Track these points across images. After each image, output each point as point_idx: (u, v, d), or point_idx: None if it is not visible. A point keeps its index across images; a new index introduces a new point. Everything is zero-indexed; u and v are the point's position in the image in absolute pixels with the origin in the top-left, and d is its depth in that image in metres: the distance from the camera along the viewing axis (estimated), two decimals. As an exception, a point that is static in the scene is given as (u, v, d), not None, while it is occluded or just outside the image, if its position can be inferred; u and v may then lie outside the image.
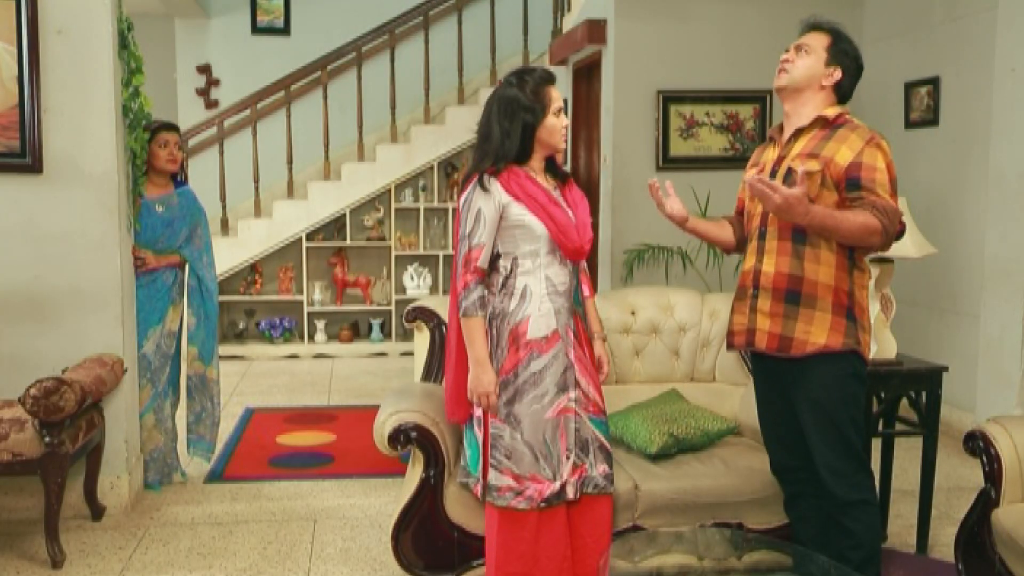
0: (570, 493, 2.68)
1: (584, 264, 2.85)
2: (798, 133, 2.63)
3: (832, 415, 2.58)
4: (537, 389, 2.64)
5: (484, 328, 2.64)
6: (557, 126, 2.64)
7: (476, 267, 2.62)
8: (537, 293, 2.65)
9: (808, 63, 2.60)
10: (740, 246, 2.86)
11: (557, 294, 2.67)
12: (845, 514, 2.60)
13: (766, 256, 2.62)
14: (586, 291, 2.85)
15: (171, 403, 4.15)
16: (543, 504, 2.65)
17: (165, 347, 4.04)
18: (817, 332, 2.54)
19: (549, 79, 2.68)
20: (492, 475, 2.67)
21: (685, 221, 2.77)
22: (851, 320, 2.56)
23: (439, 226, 7.70)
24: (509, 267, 2.67)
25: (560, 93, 2.69)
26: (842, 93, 2.64)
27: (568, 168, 5.44)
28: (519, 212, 2.61)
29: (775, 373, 2.70)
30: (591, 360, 2.78)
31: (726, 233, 2.88)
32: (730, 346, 2.80)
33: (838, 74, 2.61)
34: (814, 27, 2.67)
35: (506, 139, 2.62)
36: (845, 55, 2.62)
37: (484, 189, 2.61)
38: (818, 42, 2.62)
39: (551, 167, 2.76)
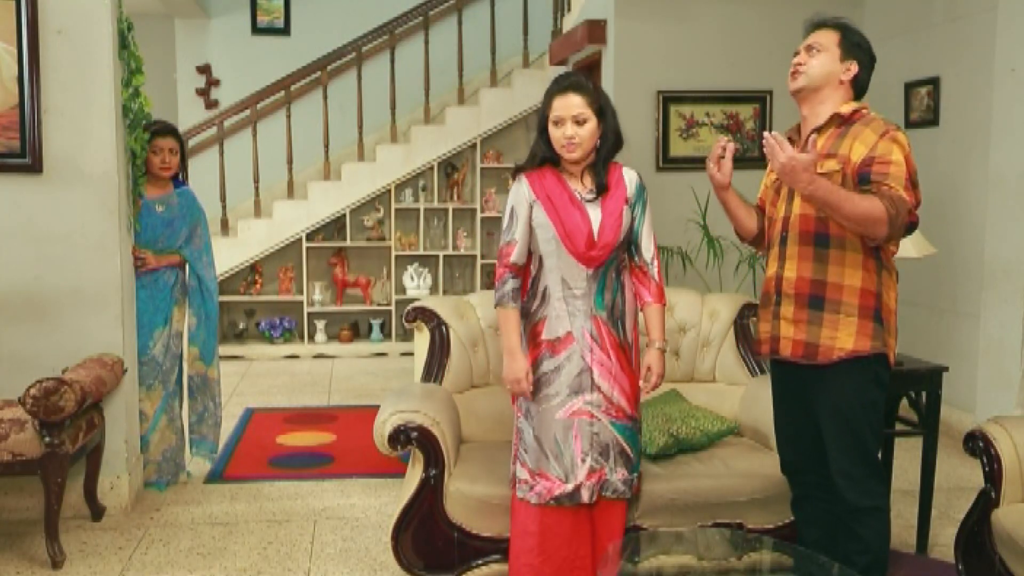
0: (585, 496, 2.68)
1: (653, 271, 2.75)
2: (816, 133, 2.57)
3: (851, 420, 2.54)
4: (548, 388, 2.67)
5: (517, 319, 2.69)
6: (554, 135, 2.63)
7: (509, 263, 2.68)
8: (554, 295, 2.68)
9: (823, 60, 2.53)
10: (759, 238, 2.79)
11: (573, 296, 2.67)
12: (856, 519, 2.56)
13: (787, 262, 2.58)
14: (648, 297, 2.75)
15: (178, 402, 4.16)
16: (552, 502, 2.67)
17: (174, 348, 4.05)
18: (843, 337, 2.49)
19: (557, 88, 2.65)
20: (516, 466, 2.76)
21: (726, 189, 2.67)
22: (878, 323, 2.51)
23: (439, 226, 7.69)
24: (536, 268, 2.72)
25: (571, 103, 2.59)
26: (859, 87, 2.58)
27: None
28: (540, 212, 2.66)
29: (797, 378, 2.64)
30: (621, 365, 2.71)
31: (752, 220, 2.78)
32: (757, 354, 2.79)
33: (855, 68, 2.55)
34: (820, 25, 2.60)
35: (538, 140, 2.71)
36: (858, 48, 2.56)
37: (518, 187, 2.70)
38: (828, 39, 2.55)
39: (596, 172, 2.68)
